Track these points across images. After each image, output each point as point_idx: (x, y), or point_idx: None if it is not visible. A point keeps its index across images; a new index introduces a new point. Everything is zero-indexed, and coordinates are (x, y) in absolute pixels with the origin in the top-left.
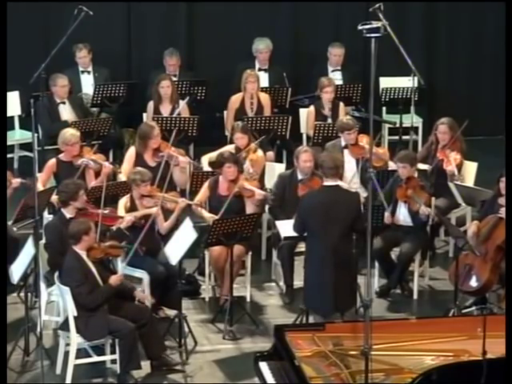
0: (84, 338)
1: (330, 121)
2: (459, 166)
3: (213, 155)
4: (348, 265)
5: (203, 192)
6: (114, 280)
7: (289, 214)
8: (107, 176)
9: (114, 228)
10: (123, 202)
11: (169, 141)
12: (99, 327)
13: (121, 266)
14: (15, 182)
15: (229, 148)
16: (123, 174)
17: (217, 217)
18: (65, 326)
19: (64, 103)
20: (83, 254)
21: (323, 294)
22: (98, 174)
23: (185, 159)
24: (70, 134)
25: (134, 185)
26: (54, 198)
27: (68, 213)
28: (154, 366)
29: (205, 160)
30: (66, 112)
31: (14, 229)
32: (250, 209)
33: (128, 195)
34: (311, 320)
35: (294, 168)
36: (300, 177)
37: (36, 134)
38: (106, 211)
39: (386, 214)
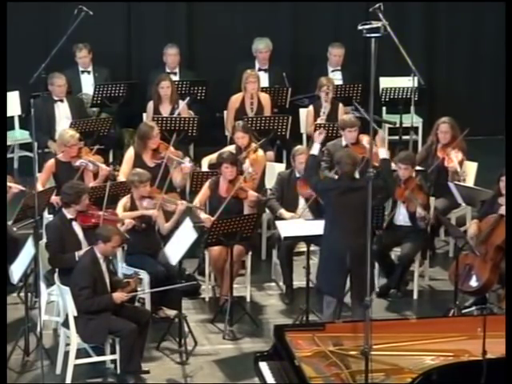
0: (83, 339)
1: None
2: (460, 164)
3: (213, 157)
4: (363, 252)
5: (203, 192)
6: (117, 296)
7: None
8: (105, 178)
9: None
10: (123, 201)
11: (169, 141)
12: (98, 330)
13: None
14: (15, 187)
15: (229, 148)
16: (122, 176)
17: (213, 218)
18: (66, 323)
19: (62, 101)
20: (101, 259)
21: (339, 278)
22: (96, 175)
23: (189, 166)
24: (70, 135)
25: (133, 186)
26: (54, 198)
27: (69, 213)
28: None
29: (205, 162)
30: (63, 110)
31: (14, 229)
32: (247, 210)
33: (128, 195)
34: (311, 320)
35: (292, 167)
36: (298, 175)
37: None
38: (106, 213)
39: None
